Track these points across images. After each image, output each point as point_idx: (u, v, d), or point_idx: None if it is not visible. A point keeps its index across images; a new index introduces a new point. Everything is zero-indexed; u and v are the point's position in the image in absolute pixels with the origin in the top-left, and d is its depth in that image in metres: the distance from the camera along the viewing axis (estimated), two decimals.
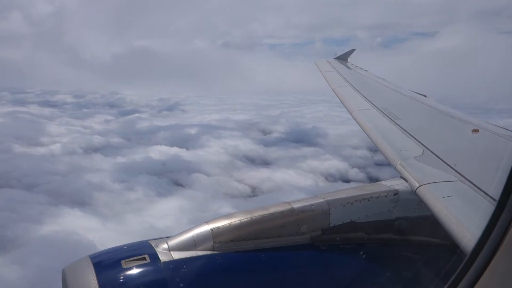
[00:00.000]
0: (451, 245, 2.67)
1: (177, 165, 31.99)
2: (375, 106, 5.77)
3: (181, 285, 2.77)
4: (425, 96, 7.05)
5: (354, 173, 31.86)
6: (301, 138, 41.54)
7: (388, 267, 3.27)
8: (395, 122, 4.86)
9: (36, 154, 37.28)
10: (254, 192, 27.98)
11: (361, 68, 10.03)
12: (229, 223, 3.03)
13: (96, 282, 2.66)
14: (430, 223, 2.98)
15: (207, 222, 3.06)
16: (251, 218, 3.07)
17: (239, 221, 3.04)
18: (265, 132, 45.14)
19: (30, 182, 27.90)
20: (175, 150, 36.63)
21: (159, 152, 36.02)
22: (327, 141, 40.23)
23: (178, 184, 28.38)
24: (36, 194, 25.56)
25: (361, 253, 3.25)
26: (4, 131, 44.43)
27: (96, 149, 39.14)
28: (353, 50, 11.19)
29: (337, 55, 10.90)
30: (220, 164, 33.19)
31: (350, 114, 5.69)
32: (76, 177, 29.13)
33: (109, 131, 46.84)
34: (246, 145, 39.42)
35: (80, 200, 24.36)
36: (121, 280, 2.74)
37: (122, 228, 20.69)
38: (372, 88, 7.98)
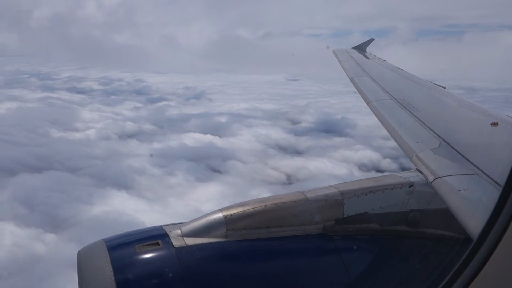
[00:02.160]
0: (466, 239, 2.66)
1: (212, 152, 32.66)
2: (393, 97, 5.70)
3: (194, 270, 2.80)
4: (444, 87, 6.96)
5: (386, 163, 32.08)
6: (331, 128, 41.78)
7: (401, 259, 3.26)
8: (412, 114, 4.81)
9: (73, 139, 38.35)
10: (290, 179, 28.50)
11: (379, 58, 9.95)
12: (242, 211, 3.05)
13: (110, 266, 2.70)
14: (445, 216, 2.97)
15: (220, 209, 3.08)
16: (265, 206, 3.07)
17: (252, 209, 3.06)
18: (294, 122, 45.44)
19: (72, 165, 28.85)
20: (208, 137, 37.25)
21: (193, 139, 36.69)
22: (357, 132, 40.38)
23: (215, 170, 29.05)
24: (81, 177, 26.49)
25: (374, 244, 3.24)
26: (40, 116, 45.67)
27: (130, 135, 40.03)
28: (371, 40, 11.08)
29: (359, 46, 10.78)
30: (253, 152, 33.72)
31: (367, 104, 5.66)
32: (116, 161, 30.03)
33: (140, 117, 47.65)
34: (277, 134, 39.86)
35: (123, 183, 25.18)
36: (135, 264, 2.78)
37: (169, 210, 21.44)
38: (390, 78, 7.86)
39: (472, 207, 2.65)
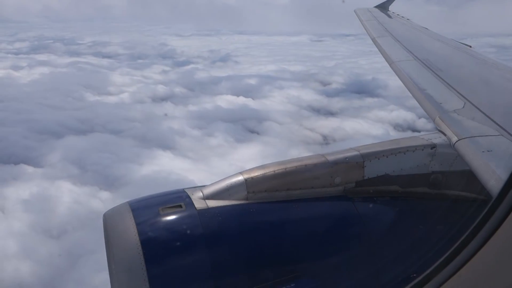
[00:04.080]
0: (488, 200, 2.45)
1: (247, 114, 33.10)
2: (416, 57, 5.60)
3: (216, 232, 2.82)
4: (470, 46, 6.79)
5: (422, 123, 32.08)
6: (362, 89, 41.67)
7: (422, 221, 3.23)
8: (436, 74, 4.69)
9: (109, 102, 39.13)
10: (326, 140, 28.89)
11: (402, 17, 9.68)
12: (263, 174, 3.03)
13: (135, 227, 2.75)
14: (467, 178, 2.93)
15: (241, 172, 3.07)
16: (285, 169, 3.06)
17: (273, 172, 3.04)
18: (324, 83, 45.36)
19: (114, 128, 29.69)
20: (241, 99, 37.61)
21: (226, 101, 37.10)
22: (389, 92, 40.16)
23: (253, 131, 29.57)
24: (124, 138, 27.33)
25: (394, 205, 3.22)
26: (72, 80, 46.50)
27: (163, 98, 40.62)
28: None
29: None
30: (287, 113, 34.04)
31: (389, 65, 5.55)
32: (155, 123, 30.81)
33: (170, 81, 48.09)
34: (309, 96, 39.98)
35: (166, 144, 25.95)
36: (158, 226, 2.83)
37: (214, 170, 22.12)
38: (413, 38, 7.72)
39: (495, 168, 2.58)
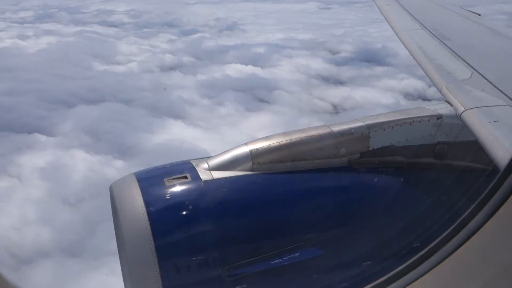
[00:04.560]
0: (494, 171, 2.61)
1: (257, 83, 32.96)
2: (423, 26, 5.53)
3: (221, 202, 2.85)
4: (479, 14, 6.70)
5: (432, 92, 31.76)
6: (372, 58, 41.17)
7: (427, 191, 3.24)
8: (443, 43, 4.63)
9: (117, 71, 39.00)
10: (337, 109, 28.85)
11: None
12: (267, 145, 3.04)
13: (141, 198, 2.78)
14: (473, 148, 2.92)
15: (246, 143, 3.09)
16: (290, 140, 3.06)
17: (277, 143, 3.05)
18: (333, 52, 44.81)
19: (124, 97, 29.71)
20: (250, 68, 37.35)
21: (235, 70, 36.87)
22: (399, 61, 39.62)
23: (263, 100, 29.52)
24: (135, 108, 27.42)
25: (399, 176, 3.21)
26: (80, 49, 46.20)
27: (171, 68, 40.41)
28: None
29: None
30: (297, 82, 33.87)
31: (396, 35, 5.49)
32: (165, 93, 30.80)
33: (178, 50, 47.72)
34: (318, 64, 39.62)
35: (177, 114, 26.06)
36: (165, 197, 2.85)
37: (226, 138, 22.25)
38: (420, 6, 7.51)
39: (501, 139, 2.57)
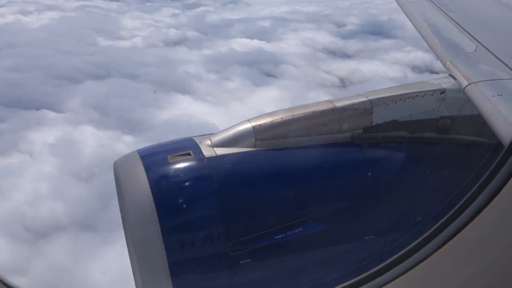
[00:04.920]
0: (497, 145, 2.62)
1: (263, 57, 32.70)
2: None
3: (224, 179, 2.87)
4: None
5: (440, 65, 31.33)
6: (378, 30, 40.67)
7: (430, 165, 3.23)
8: (448, 16, 4.52)
9: (122, 47, 38.72)
10: (344, 83, 28.70)
11: None
12: (270, 121, 3.04)
13: (145, 175, 2.79)
14: (476, 122, 2.91)
15: (248, 120, 3.08)
16: (293, 116, 3.06)
17: (280, 119, 3.05)
18: (338, 25, 44.24)
19: (130, 72, 29.57)
20: (256, 42, 37.01)
21: (241, 44, 36.55)
22: (406, 33, 39.04)
23: (270, 75, 29.36)
24: (142, 83, 27.31)
25: (402, 151, 3.21)
26: (83, 25, 45.76)
27: (176, 42, 40.07)
28: None
29: None
30: (303, 56, 33.61)
31: (400, 6, 5.38)
32: (171, 68, 30.61)
33: (182, 24, 47.23)
34: (324, 38, 39.21)
35: (185, 89, 25.97)
36: (168, 173, 2.86)
37: (235, 113, 22.25)
38: None
39: (505, 113, 2.54)
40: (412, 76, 28.94)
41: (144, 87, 26.39)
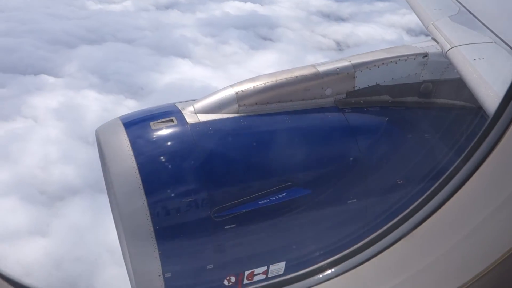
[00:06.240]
0: (477, 108, 2.66)
1: (258, 21, 32.44)
2: None
3: (208, 145, 2.89)
4: None
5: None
6: None
7: (411, 129, 3.29)
8: None
9: (113, 10, 37.92)
10: (340, 46, 28.78)
11: None
12: (253, 87, 3.09)
13: (128, 141, 2.81)
14: (457, 86, 2.97)
15: (231, 85, 3.14)
16: (276, 81, 3.11)
17: (263, 84, 3.10)
18: None
19: (125, 36, 29.16)
20: (249, 5, 36.57)
21: (234, 7, 36.03)
22: None
23: (266, 38, 29.29)
24: (139, 47, 27.06)
25: (384, 115, 3.24)
26: None
27: (167, 6, 39.32)
28: None
29: None
30: (297, 19, 33.42)
31: None
32: (166, 32, 30.26)
33: None
34: (317, 0, 38.89)
35: (182, 53, 25.85)
36: (151, 141, 2.88)
37: (234, 77, 22.30)
38: None
39: (485, 76, 2.56)
40: (408, 39, 29.13)
41: (141, 51, 26.18)
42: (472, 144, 1.46)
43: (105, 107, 19.52)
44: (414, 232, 1.52)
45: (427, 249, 1.49)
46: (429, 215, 1.50)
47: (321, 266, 1.63)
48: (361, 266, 1.56)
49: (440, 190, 1.52)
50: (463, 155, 1.49)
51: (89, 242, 12.24)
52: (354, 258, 1.59)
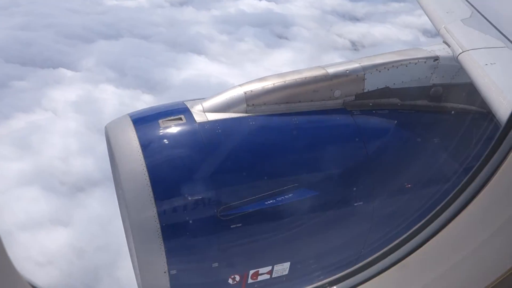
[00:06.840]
0: (487, 113, 2.59)
1: (273, 19, 32.53)
2: None
3: (216, 144, 2.86)
4: None
5: None
6: None
7: (420, 133, 3.22)
8: None
9: (128, 6, 38.18)
10: (355, 46, 28.80)
11: None
12: (262, 87, 3.05)
13: (136, 139, 2.80)
14: (468, 90, 2.88)
15: (240, 85, 3.09)
16: (285, 82, 3.08)
17: (272, 85, 3.06)
18: None
19: (141, 32, 29.41)
20: (264, 3, 36.66)
21: (250, 5, 36.12)
22: None
23: (281, 37, 29.38)
24: (155, 43, 27.27)
25: (393, 118, 3.18)
26: None
27: (182, 3, 39.52)
28: None
29: None
30: (313, 18, 33.45)
31: None
32: (182, 28, 30.45)
33: None
34: (332, 0, 38.92)
35: (199, 49, 26.02)
36: (159, 138, 2.86)
37: (251, 75, 22.43)
38: None
39: (497, 82, 2.49)
40: (424, 40, 29.08)
41: (157, 47, 26.37)
42: (483, 157, 1.43)
43: (123, 101, 19.73)
44: (419, 250, 1.51)
45: (428, 269, 1.49)
46: (435, 233, 1.49)
47: (323, 285, 1.65)
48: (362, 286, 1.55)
49: (441, 214, 1.51)
50: (468, 175, 1.46)
51: (110, 232, 12.40)
52: (353, 278, 1.58)
